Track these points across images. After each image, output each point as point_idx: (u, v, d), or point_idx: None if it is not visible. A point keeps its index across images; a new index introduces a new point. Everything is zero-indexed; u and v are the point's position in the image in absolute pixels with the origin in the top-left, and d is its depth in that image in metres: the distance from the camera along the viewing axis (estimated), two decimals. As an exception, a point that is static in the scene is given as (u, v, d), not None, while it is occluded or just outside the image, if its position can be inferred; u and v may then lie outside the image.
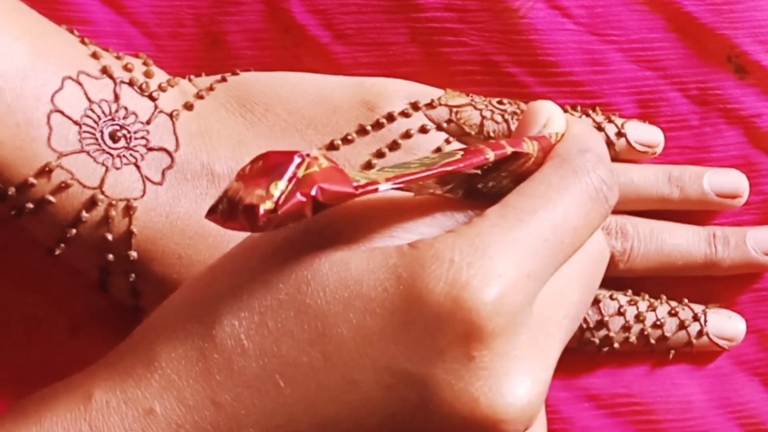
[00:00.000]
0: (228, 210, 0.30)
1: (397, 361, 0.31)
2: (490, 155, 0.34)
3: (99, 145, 0.41)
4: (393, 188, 0.32)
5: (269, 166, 0.30)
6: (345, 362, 0.32)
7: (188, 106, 0.43)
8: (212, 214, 0.31)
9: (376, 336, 0.31)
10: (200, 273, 0.35)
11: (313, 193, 0.30)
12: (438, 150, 0.43)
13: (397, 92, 0.44)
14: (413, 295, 0.31)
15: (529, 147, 0.35)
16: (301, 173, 0.30)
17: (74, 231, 0.41)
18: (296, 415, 0.32)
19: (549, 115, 0.38)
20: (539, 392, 0.33)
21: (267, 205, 0.30)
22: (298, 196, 0.30)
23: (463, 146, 0.43)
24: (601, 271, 0.37)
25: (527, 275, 0.32)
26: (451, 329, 0.31)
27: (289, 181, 0.30)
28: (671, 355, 0.46)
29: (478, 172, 0.34)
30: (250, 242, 0.34)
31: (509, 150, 0.35)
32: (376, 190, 0.32)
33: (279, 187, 0.30)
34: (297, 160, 0.30)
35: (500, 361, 0.32)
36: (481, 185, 0.36)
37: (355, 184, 0.31)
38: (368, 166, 0.43)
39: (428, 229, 0.34)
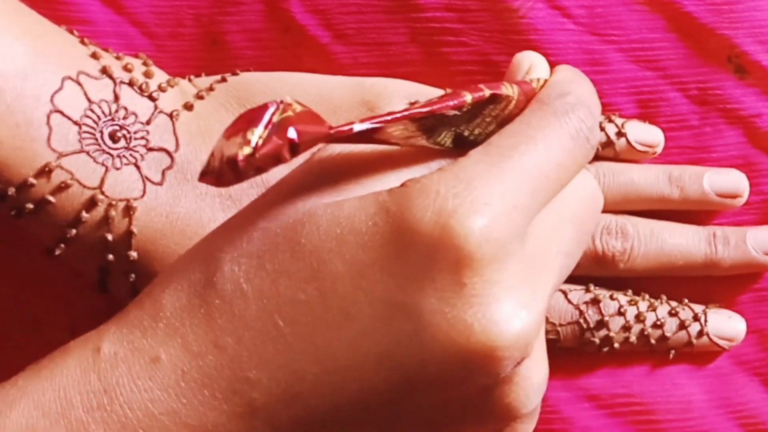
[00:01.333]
0: (217, 168, 0.31)
1: (391, 292, 0.32)
2: (468, 97, 0.35)
3: (99, 145, 0.41)
4: (369, 127, 0.33)
5: (247, 118, 0.31)
6: (341, 297, 0.32)
7: (188, 107, 0.43)
8: (205, 176, 0.32)
9: (369, 269, 0.32)
10: (204, 237, 0.36)
11: (289, 135, 0.31)
12: None
13: (397, 92, 0.44)
14: (402, 227, 0.32)
15: (509, 90, 0.36)
16: (276, 118, 0.31)
17: (74, 231, 0.41)
18: (297, 354, 0.32)
19: (531, 63, 0.39)
20: (534, 320, 0.33)
21: (245, 150, 0.30)
22: (275, 139, 0.31)
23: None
24: (595, 214, 0.37)
25: (514, 206, 0.33)
26: (442, 257, 0.32)
27: (266, 126, 0.31)
28: (671, 355, 0.46)
29: (457, 112, 0.35)
30: (249, 204, 0.35)
31: (487, 92, 0.35)
32: (351, 131, 0.33)
33: (256, 133, 0.31)
34: (272, 107, 0.31)
35: (492, 289, 0.32)
36: (468, 133, 0.36)
37: (329, 125, 0.32)
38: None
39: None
